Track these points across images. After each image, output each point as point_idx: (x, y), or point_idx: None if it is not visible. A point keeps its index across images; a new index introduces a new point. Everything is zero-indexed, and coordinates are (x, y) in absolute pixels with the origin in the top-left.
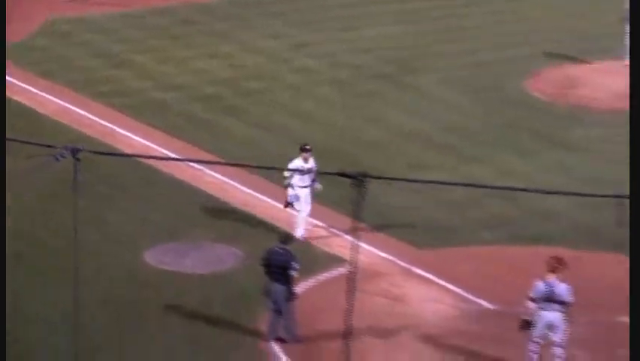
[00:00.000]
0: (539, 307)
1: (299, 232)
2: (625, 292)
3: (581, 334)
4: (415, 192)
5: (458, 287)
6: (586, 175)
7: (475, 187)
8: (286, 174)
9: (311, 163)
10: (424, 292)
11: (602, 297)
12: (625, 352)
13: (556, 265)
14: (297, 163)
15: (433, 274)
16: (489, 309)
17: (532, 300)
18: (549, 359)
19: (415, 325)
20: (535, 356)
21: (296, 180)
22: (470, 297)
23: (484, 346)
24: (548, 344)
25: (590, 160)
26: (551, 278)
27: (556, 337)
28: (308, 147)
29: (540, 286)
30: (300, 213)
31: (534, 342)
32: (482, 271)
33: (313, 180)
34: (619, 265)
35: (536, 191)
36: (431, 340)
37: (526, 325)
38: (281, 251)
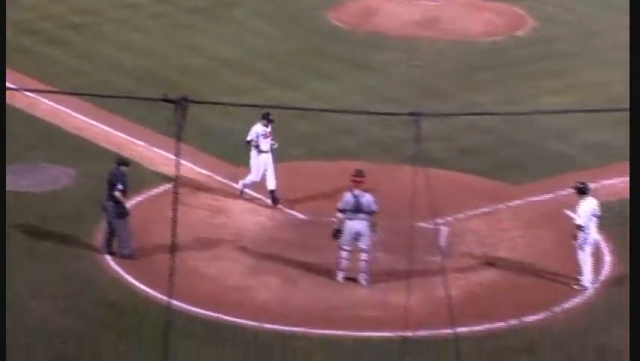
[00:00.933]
0: (347, 218)
1: (242, 183)
2: (421, 199)
3: (381, 238)
4: (231, 114)
5: None
6: (384, 95)
7: (286, 109)
8: (249, 137)
9: (270, 128)
10: (241, 205)
11: (400, 205)
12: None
13: (359, 178)
14: (259, 129)
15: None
16: (300, 218)
17: (341, 211)
18: (355, 263)
19: (234, 234)
20: (344, 262)
21: (261, 144)
22: (283, 208)
23: (295, 252)
24: (356, 250)
25: (387, 82)
26: (357, 190)
27: (363, 243)
28: (271, 117)
29: (348, 197)
30: (249, 177)
31: (343, 249)
32: (293, 185)
33: (272, 145)
34: (414, 175)
35: (339, 111)
36: (249, 248)
37: (337, 233)
38: (114, 171)
